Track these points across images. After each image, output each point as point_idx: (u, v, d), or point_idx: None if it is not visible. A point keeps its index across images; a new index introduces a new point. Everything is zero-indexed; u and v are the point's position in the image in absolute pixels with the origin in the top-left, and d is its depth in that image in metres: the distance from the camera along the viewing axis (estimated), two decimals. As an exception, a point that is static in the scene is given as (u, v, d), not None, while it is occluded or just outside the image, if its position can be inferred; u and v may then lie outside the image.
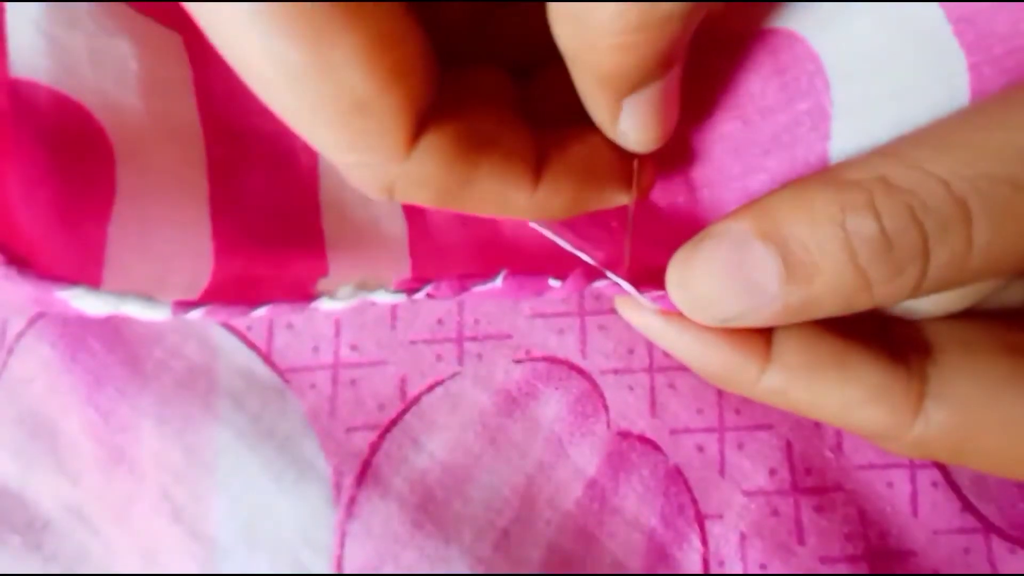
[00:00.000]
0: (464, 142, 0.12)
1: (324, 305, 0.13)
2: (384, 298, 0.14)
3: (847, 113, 0.13)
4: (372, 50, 0.10)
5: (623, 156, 0.14)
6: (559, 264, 0.14)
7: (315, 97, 0.11)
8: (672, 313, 0.14)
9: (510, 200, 0.13)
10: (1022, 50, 0.12)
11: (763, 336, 0.14)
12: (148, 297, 0.12)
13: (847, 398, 0.13)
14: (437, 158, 0.12)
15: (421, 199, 0.12)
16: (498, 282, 0.14)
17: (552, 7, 0.11)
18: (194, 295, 0.14)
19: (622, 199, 0.14)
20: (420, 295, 0.14)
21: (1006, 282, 0.14)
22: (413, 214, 0.17)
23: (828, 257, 0.12)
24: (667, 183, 0.16)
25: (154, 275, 0.14)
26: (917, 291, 0.12)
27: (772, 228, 0.12)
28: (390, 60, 0.11)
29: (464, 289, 0.14)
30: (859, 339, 0.13)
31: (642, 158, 0.14)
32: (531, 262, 0.14)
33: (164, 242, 0.15)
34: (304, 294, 0.13)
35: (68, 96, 0.14)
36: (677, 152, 0.16)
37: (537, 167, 0.13)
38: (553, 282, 0.14)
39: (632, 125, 0.13)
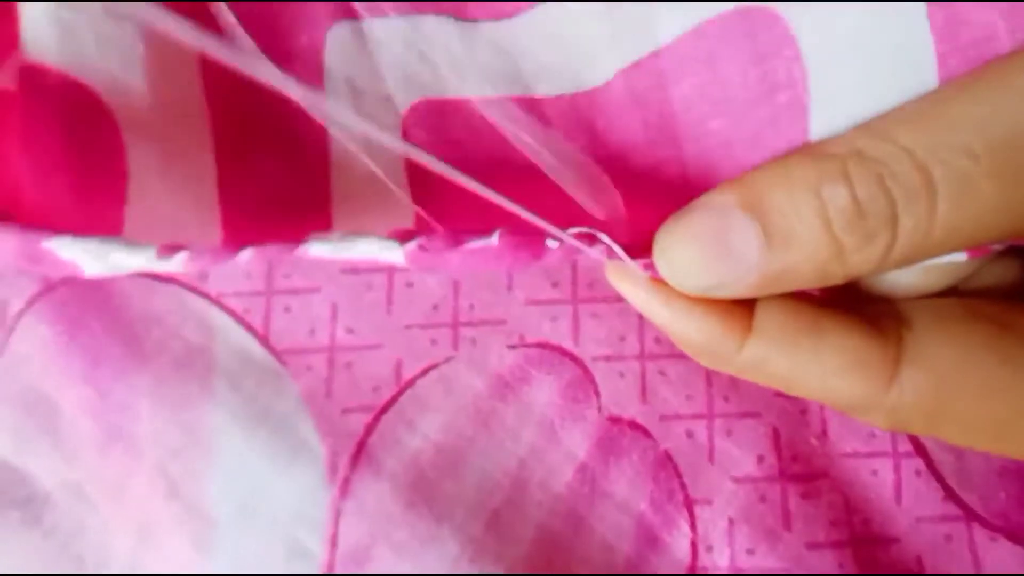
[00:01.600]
0: None
1: (313, 250, 0.13)
2: (374, 248, 0.13)
3: (823, 106, 0.14)
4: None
5: None
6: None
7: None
8: (660, 281, 0.14)
9: None
10: (987, 41, 0.12)
11: (745, 308, 0.14)
12: (133, 242, 0.12)
13: (825, 366, 0.13)
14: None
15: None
16: (494, 239, 0.13)
17: None
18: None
19: None
20: (412, 245, 0.13)
21: (980, 264, 0.14)
22: (422, 218, 0.17)
23: (805, 224, 0.12)
24: (662, 177, 0.17)
25: None
26: (887, 260, 0.12)
27: (754, 199, 0.13)
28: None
29: (458, 243, 0.13)
30: (837, 311, 0.14)
31: None
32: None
33: (173, 226, 0.15)
34: (294, 239, 0.13)
35: (77, 79, 0.15)
36: (671, 149, 0.16)
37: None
38: (550, 243, 0.14)
39: None
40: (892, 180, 0.12)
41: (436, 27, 0.17)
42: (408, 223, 0.17)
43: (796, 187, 0.12)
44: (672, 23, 0.15)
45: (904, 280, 0.15)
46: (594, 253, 0.14)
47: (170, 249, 0.12)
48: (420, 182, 0.17)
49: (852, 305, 0.14)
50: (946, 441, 0.14)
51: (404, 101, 0.17)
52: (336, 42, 0.17)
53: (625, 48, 0.16)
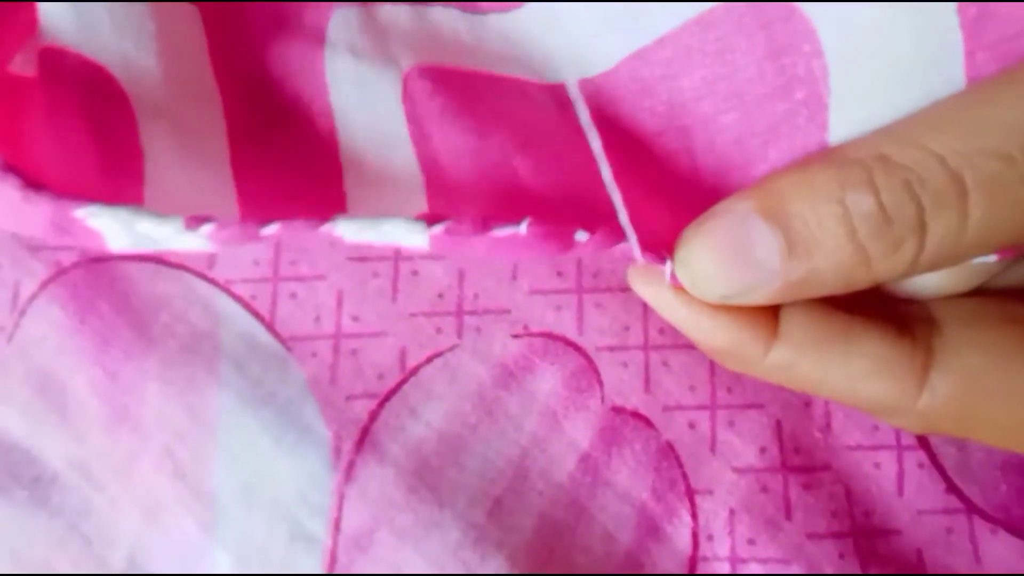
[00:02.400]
0: None
1: (338, 228, 0.13)
2: (400, 229, 0.13)
3: (843, 103, 0.14)
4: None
5: None
6: (582, 222, 0.14)
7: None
8: (682, 288, 0.14)
9: None
10: (1016, 38, 0.12)
11: (770, 313, 0.14)
12: (161, 213, 0.12)
13: (853, 371, 0.13)
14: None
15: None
16: (522, 228, 0.13)
17: None
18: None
19: None
20: (437, 229, 0.13)
21: (1008, 263, 0.14)
22: (432, 178, 0.17)
23: (828, 233, 0.12)
24: (672, 169, 0.17)
25: None
26: (915, 267, 0.12)
27: (775, 206, 0.12)
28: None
29: (486, 229, 0.13)
30: (865, 315, 0.14)
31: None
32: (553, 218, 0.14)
33: (190, 207, 0.15)
34: (319, 216, 0.13)
35: (92, 60, 0.15)
36: (681, 141, 0.16)
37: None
38: (580, 236, 0.13)
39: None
40: (920, 186, 0.11)
41: (443, 16, 0.17)
42: (419, 193, 0.16)
43: (819, 195, 0.12)
44: (668, 10, 0.15)
45: (932, 281, 0.14)
46: (636, 254, 0.14)
47: (196, 220, 0.13)
48: (427, 155, 0.17)
49: (879, 306, 0.14)
50: (978, 442, 0.14)
51: (408, 63, 0.17)
52: (341, 18, 0.17)
53: (626, 34, 0.16)
